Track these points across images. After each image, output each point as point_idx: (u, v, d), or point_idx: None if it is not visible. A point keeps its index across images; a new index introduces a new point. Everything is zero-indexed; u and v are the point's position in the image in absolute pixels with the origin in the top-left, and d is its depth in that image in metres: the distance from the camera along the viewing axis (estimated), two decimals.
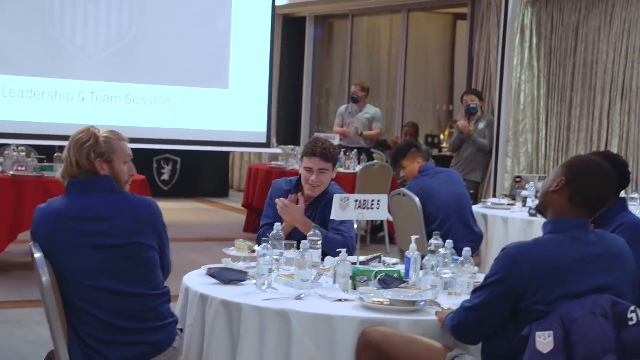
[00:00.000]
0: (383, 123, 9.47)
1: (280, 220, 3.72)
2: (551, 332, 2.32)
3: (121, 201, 2.86)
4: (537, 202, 4.23)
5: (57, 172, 6.09)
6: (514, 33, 8.28)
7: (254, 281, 3.01)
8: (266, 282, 2.96)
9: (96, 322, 2.81)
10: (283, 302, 2.81)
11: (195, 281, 3.10)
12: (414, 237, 3.27)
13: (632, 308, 2.39)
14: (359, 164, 8.23)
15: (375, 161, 8.33)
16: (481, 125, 8.19)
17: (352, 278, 3.05)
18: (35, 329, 4.75)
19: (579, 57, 7.97)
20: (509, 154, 8.29)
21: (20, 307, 5.27)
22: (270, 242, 3.10)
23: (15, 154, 6.28)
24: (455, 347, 2.64)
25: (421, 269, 3.09)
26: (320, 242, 3.25)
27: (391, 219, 5.45)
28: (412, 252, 3.15)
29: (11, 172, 6.12)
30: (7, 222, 5.95)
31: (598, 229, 2.65)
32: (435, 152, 10.78)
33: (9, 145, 6.65)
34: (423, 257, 3.10)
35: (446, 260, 3.12)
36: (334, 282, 3.08)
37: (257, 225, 4.13)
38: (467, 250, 3.10)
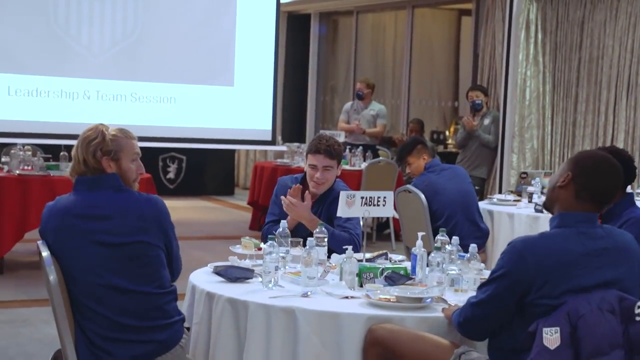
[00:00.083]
0: (388, 120, 9.46)
1: (286, 217, 3.72)
2: (558, 328, 2.32)
3: (127, 199, 2.86)
4: (543, 198, 4.23)
5: (63, 171, 6.18)
6: (519, 28, 8.25)
7: (260, 279, 3.01)
8: (272, 280, 2.96)
9: (102, 320, 2.81)
10: (289, 300, 2.81)
11: (202, 279, 3.10)
12: (420, 234, 3.27)
13: (639, 303, 2.38)
14: (364, 160, 8.22)
15: (380, 158, 8.32)
16: (486, 121, 8.18)
17: (359, 275, 3.05)
18: (42, 327, 4.76)
19: (585, 52, 7.95)
20: (515, 150, 8.28)
21: (26, 306, 5.28)
22: (276, 239, 3.10)
23: (21, 153, 6.30)
24: (462, 343, 2.64)
25: (427, 265, 3.09)
26: (326, 240, 3.25)
27: (397, 215, 5.45)
28: (418, 248, 3.15)
29: (17, 171, 6.13)
30: (13, 221, 5.96)
31: (605, 224, 2.64)
32: (440, 148, 10.77)
33: (14, 144, 6.66)
34: (429, 253, 3.10)
35: (452, 257, 3.12)
36: (340, 279, 3.08)
37: (262, 223, 4.13)
38: (473, 247, 3.09)
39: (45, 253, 2.81)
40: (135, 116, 8.45)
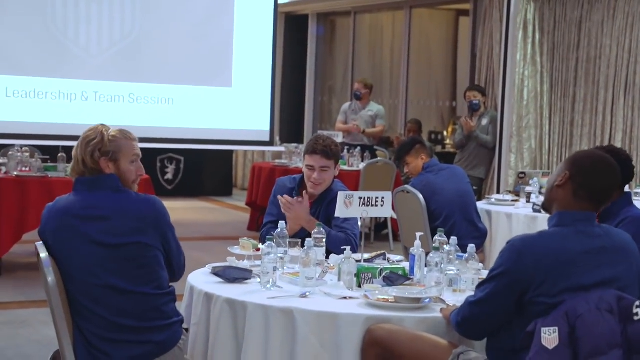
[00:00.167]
0: (386, 120, 9.47)
1: (284, 218, 3.72)
2: (556, 328, 2.32)
3: (124, 200, 2.86)
4: (541, 198, 4.23)
5: (61, 172, 6.18)
6: (516, 28, 8.26)
7: (259, 279, 3.01)
8: (271, 280, 2.96)
9: (99, 320, 2.81)
10: (288, 300, 2.81)
11: (200, 280, 3.10)
12: (418, 234, 3.27)
13: (638, 303, 2.38)
14: (362, 161, 8.23)
15: (378, 158, 8.32)
16: (484, 122, 8.19)
17: (357, 275, 3.05)
18: (40, 329, 4.76)
19: (582, 52, 7.96)
20: (513, 150, 8.28)
21: (24, 307, 5.28)
22: (274, 240, 3.10)
23: (19, 154, 6.29)
24: (461, 343, 2.64)
25: (426, 265, 3.09)
26: (324, 240, 3.25)
27: (395, 216, 5.45)
28: (417, 249, 3.15)
29: (15, 173, 6.12)
30: (11, 223, 5.96)
31: (603, 224, 2.65)
32: (438, 148, 10.77)
33: (12, 145, 6.66)
34: (427, 254, 3.10)
35: (450, 257, 3.12)
36: (339, 280, 3.08)
37: (260, 224, 4.13)
38: (471, 247, 3.09)
39: (43, 254, 2.81)
40: (133, 117, 8.45)
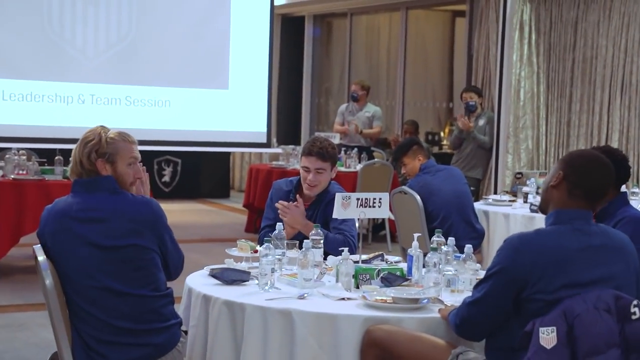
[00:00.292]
0: (383, 121, 9.48)
1: (281, 221, 3.71)
2: (554, 328, 2.33)
3: (121, 202, 2.86)
4: (538, 198, 4.24)
5: (58, 175, 6.17)
6: (512, 29, 8.27)
7: (257, 281, 3.01)
8: (269, 282, 2.96)
9: (96, 322, 2.81)
10: (286, 302, 2.81)
11: (198, 282, 3.10)
12: (415, 235, 3.28)
13: (635, 302, 2.39)
14: (359, 162, 8.23)
15: (375, 159, 8.33)
16: (481, 122, 8.19)
17: (355, 276, 3.05)
18: (38, 332, 4.76)
19: (578, 52, 7.97)
20: (510, 150, 8.29)
21: (22, 310, 5.27)
22: (272, 241, 3.10)
23: (15, 157, 6.28)
24: (459, 343, 2.64)
25: (423, 266, 3.09)
26: (322, 241, 3.25)
27: (392, 217, 5.45)
28: (414, 249, 3.15)
29: (12, 176, 6.12)
30: (8, 226, 5.95)
31: (600, 223, 2.65)
32: (435, 149, 10.78)
33: (9, 148, 6.65)
34: (425, 254, 3.10)
35: (448, 258, 3.12)
36: (337, 281, 3.08)
37: (258, 226, 4.13)
38: (468, 247, 3.10)
39: (41, 257, 2.81)
40: (130, 120, 8.44)
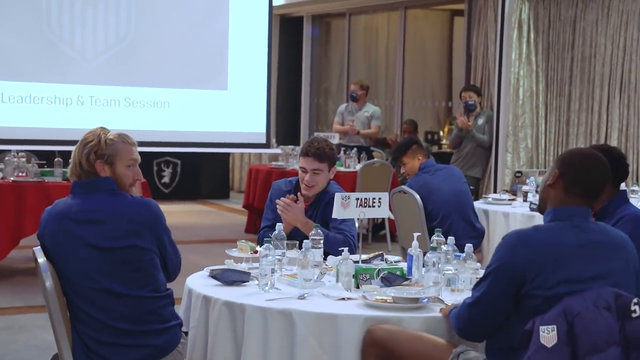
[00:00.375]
0: (382, 121, 9.48)
1: (281, 221, 3.71)
2: (554, 326, 2.33)
3: (120, 203, 2.86)
4: (537, 196, 4.23)
5: (58, 177, 6.17)
6: (511, 28, 8.28)
7: (257, 282, 3.01)
8: (269, 283, 2.96)
9: (96, 324, 2.81)
10: (286, 302, 2.81)
11: (198, 283, 3.10)
12: (415, 234, 3.28)
13: (635, 300, 2.39)
14: (359, 162, 8.23)
15: (375, 159, 8.33)
16: (480, 121, 8.20)
17: (355, 276, 3.05)
18: (38, 334, 4.76)
19: (577, 50, 7.97)
20: (509, 149, 8.29)
21: (22, 312, 5.27)
22: (272, 242, 3.10)
23: (15, 159, 6.28)
24: (460, 343, 2.64)
25: (423, 266, 3.09)
26: (322, 242, 3.25)
27: (392, 216, 5.45)
28: (414, 249, 3.15)
29: (12, 178, 6.12)
30: (8, 228, 5.95)
31: (599, 222, 2.66)
32: (434, 148, 10.78)
33: (9, 151, 6.65)
34: (425, 254, 3.10)
35: (448, 257, 3.12)
36: (337, 281, 3.08)
37: (258, 226, 4.13)
38: (468, 247, 3.10)
39: (41, 259, 2.81)
40: (129, 121, 8.44)
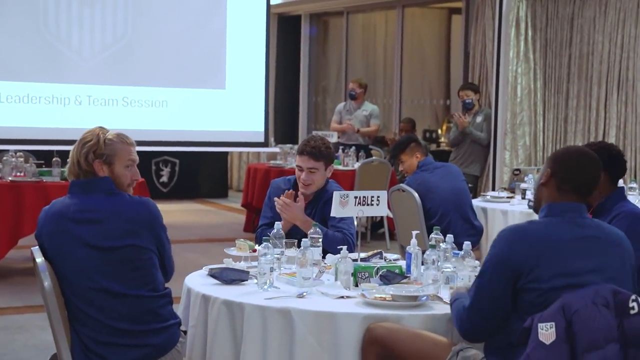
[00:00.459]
0: (381, 120, 9.48)
1: (279, 220, 3.72)
2: (553, 323, 2.33)
3: (118, 203, 2.86)
4: None
5: (56, 177, 6.17)
6: (509, 26, 8.28)
7: (256, 280, 3.01)
8: (268, 281, 2.97)
9: (94, 324, 2.81)
10: (285, 301, 2.81)
11: (197, 282, 3.10)
12: (414, 232, 3.28)
13: (633, 297, 2.39)
14: (357, 160, 8.23)
15: (373, 158, 8.33)
16: (479, 119, 8.20)
17: (354, 275, 3.05)
18: (37, 334, 4.76)
19: (575, 48, 7.98)
20: (507, 147, 8.30)
21: (21, 312, 5.27)
22: (270, 240, 3.10)
23: (13, 159, 6.28)
24: (460, 340, 2.65)
25: (422, 263, 3.10)
26: (320, 240, 3.25)
27: (391, 215, 5.45)
28: (413, 247, 3.16)
29: (10, 178, 6.11)
30: (6, 228, 5.95)
31: (597, 218, 2.67)
32: (433, 146, 10.78)
33: (7, 151, 6.64)
34: (424, 252, 3.10)
35: (447, 255, 3.12)
36: (336, 279, 3.09)
37: (256, 225, 4.13)
38: (467, 244, 3.10)
39: (39, 259, 2.81)
40: (127, 120, 8.44)
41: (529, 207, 5.34)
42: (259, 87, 9.17)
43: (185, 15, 8.81)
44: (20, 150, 6.69)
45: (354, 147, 8.44)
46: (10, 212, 5.93)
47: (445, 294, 2.91)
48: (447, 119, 11.08)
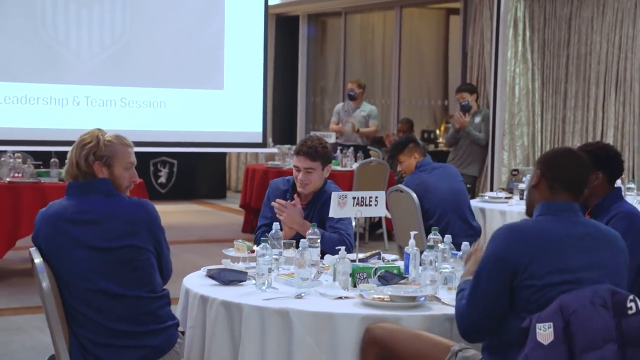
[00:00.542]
0: (379, 120, 9.48)
1: (278, 220, 3.71)
2: (551, 324, 2.33)
3: (116, 204, 2.86)
4: None
5: (54, 177, 6.16)
6: (507, 26, 8.28)
7: (254, 281, 3.01)
8: (266, 282, 2.97)
9: (93, 325, 2.81)
10: (283, 301, 2.81)
11: (195, 283, 3.10)
12: (412, 233, 3.28)
13: (631, 297, 2.40)
14: (355, 161, 8.23)
15: (371, 158, 8.33)
16: (477, 119, 8.21)
17: (352, 275, 3.06)
18: (35, 335, 4.75)
19: (573, 48, 7.98)
20: (505, 147, 8.30)
21: (19, 313, 5.27)
22: (269, 241, 3.10)
23: (11, 160, 6.27)
24: (458, 341, 2.65)
25: (420, 264, 3.10)
26: (319, 240, 3.25)
27: (389, 215, 5.45)
28: (411, 247, 3.16)
29: (7, 179, 6.11)
30: (4, 229, 5.94)
31: (594, 219, 2.68)
32: (431, 147, 10.79)
33: (4, 151, 6.64)
34: (422, 252, 3.10)
35: (445, 255, 3.13)
36: (334, 280, 3.09)
37: (255, 226, 4.13)
38: (465, 245, 3.11)
39: (37, 260, 2.81)
40: (125, 121, 8.44)
41: None
42: (257, 87, 9.17)
43: (183, 16, 8.81)
44: (18, 151, 6.69)
45: (352, 148, 8.44)
46: (8, 213, 5.93)
47: (444, 295, 2.91)
48: (446, 119, 11.09)
